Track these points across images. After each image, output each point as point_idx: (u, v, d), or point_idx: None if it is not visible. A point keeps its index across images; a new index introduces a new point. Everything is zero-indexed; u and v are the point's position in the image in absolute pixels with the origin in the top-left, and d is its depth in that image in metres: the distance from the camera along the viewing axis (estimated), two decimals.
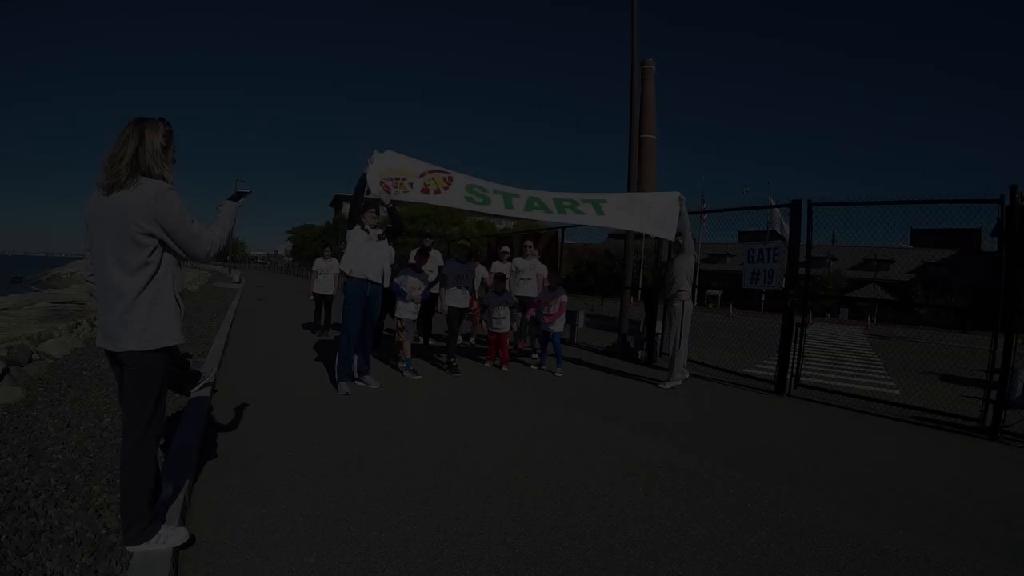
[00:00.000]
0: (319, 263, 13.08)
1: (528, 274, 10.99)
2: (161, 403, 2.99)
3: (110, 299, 2.85)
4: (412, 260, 9.05)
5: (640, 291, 24.62)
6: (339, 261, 10.54)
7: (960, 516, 4.37)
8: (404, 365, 8.42)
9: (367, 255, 7.16)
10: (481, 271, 11.02)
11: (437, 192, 7.82)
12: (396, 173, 7.46)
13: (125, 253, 2.80)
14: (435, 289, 9.92)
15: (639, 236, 14.12)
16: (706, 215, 11.77)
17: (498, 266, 11.36)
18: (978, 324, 23.59)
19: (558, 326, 9.64)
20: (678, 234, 8.97)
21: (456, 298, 9.36)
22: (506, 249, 12.08)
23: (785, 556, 3.51)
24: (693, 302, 9.03)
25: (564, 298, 9.70)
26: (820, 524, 4.00)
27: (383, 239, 7.40)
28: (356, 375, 7.48)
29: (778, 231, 11.05)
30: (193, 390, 5.47)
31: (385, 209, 7.46)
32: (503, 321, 9.66)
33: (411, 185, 7.57)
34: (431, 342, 11.33)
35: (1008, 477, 5.51)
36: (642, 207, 8.92)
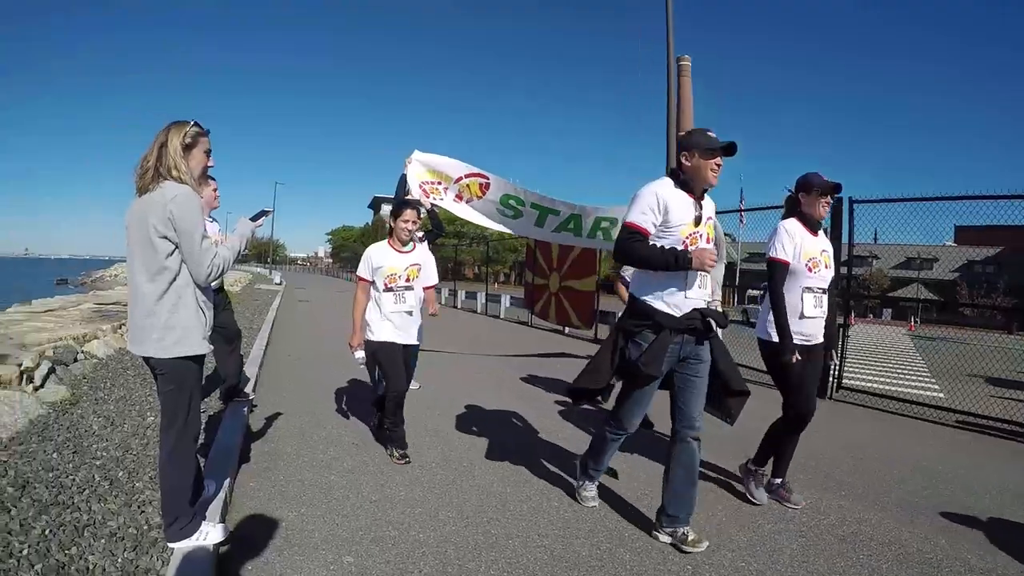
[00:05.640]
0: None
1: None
2: (194, 405, 3.01)
3: (135, 303, 2.89)
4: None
5: None
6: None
7: (1005, 524, 4.25)
8: None
9: None
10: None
11: (469, 201, 7.79)
12: (435, 176, 7.48)
13: (146, 256, 2.83)
14: None
15: None
16: (744, 213, 11.61)
17: None
18: None
19: None
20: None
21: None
22: None
23: (826, 564, 3.44)
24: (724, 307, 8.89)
25: None
26: (862, 532, 3.91)
27: (423, 241, 7.39)
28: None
29: None
30: (233, 400, 5.55)
31: (426, 211, 7.47)
32: None
33: (445, 191, 7.57)
34: None
35: None
36: None
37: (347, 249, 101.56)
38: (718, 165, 3.37)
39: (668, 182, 3.45)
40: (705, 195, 3.50)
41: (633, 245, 3.35)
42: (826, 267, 4.19)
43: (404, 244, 4.91)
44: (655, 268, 3.35)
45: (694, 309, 3.45)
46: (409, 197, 7.24)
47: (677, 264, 3.25)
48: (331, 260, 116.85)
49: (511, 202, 8.07)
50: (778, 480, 4.41)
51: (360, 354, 4.94)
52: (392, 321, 4.77)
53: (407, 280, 4.81)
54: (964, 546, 3.81)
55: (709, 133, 3.38)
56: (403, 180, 7.23)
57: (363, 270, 4.84)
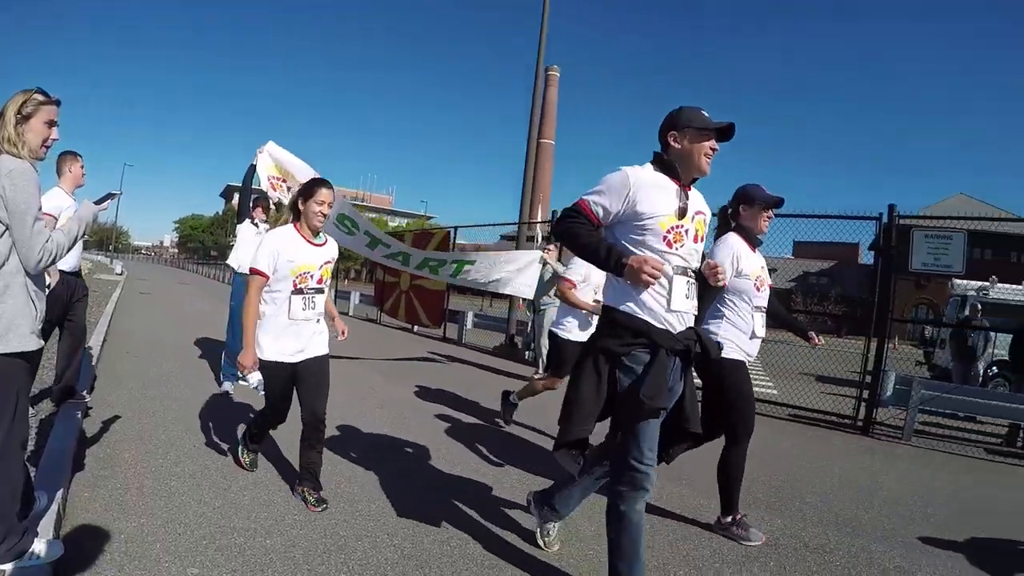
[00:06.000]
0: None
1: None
2: (21, 408, 2.75)
3: None
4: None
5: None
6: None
7: (836, 504, 4.79)
8: None
9: None
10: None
11: None
12: (281, 173, 7.42)
13: None
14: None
15: (530, 239, 14.72)
16: None
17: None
18: (852, 330, 25.26)
19: None
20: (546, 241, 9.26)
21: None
22: None
23: (669, 548, 3.72)
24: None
25: None
26: (702, 517, 4.22)
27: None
28: (240, 374, 7.26)
29: None
30: (66, 402, 5.17)
31: (273, 205, 7.37)
32: None
33: (288, 190, 7.53)
34: None
35: (879, 468, 6.12)
36: (503, 266, 9.58)
37: (194, 240, 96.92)
38: (713, 149, 2.79)
39: (648, 167, 2.84)
40: (693, 187, 2.90)
41: (571, 226, 2.76)
42: (767, 285, 4.04)
43: (315, 235, 3.93)
44: (588, 260, 2.79)
45: (690, 328, 2.83)
46: (258, 189, 7.17)
47: (608, 264, 2.65)
48: (177, 250, 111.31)
49: (346, 222, 8.49)
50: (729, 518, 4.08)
51: (256, 376, 4.02)
52: (286, 333, 3.85)
53: (319, 281, 3.92)
54: (798, 525, 4.26)
55: (702, 112, 2.81)
56: (251, 170, 7.13)
57: (264, 263, 3.72)
